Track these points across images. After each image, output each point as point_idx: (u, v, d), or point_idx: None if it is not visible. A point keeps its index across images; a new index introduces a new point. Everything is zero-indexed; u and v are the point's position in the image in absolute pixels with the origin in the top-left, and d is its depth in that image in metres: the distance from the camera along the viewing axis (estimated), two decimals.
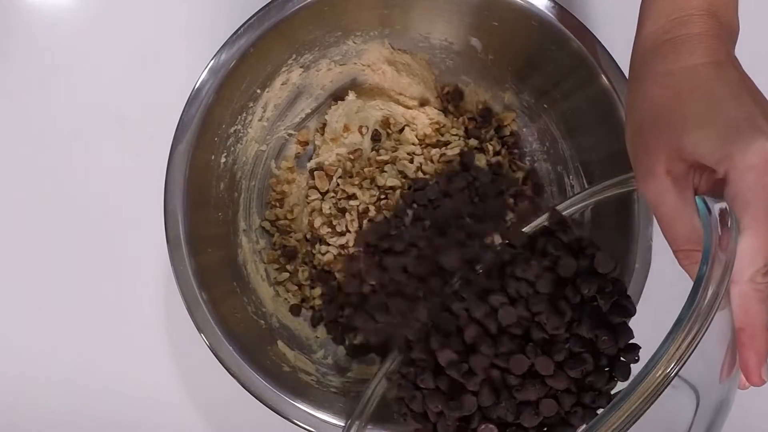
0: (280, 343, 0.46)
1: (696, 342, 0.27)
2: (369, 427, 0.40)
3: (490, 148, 0.50)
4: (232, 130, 0.46)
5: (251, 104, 0.47)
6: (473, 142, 0.50)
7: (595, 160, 0.46)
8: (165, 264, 0.42)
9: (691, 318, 0.27)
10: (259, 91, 0.47)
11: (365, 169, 0.49)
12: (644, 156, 0.33)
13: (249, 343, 0.42)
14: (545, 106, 0.49)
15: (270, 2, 0.43)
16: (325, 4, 0.44)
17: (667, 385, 0.26)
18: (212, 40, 0.44)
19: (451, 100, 0.51)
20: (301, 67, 0.48)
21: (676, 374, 0.27)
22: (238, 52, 0.43)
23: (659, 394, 0.26)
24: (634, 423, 0.26)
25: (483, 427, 0.35)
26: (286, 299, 0.49)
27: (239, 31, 0.43)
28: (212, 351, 0.41)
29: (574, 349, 0.34)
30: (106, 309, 0.51)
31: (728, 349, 0.31)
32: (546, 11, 0.43)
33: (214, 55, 0.43)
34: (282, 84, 0.48)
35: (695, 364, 0.28)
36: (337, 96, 0.51)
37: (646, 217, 0.42)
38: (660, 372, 0.27)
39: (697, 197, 0.31)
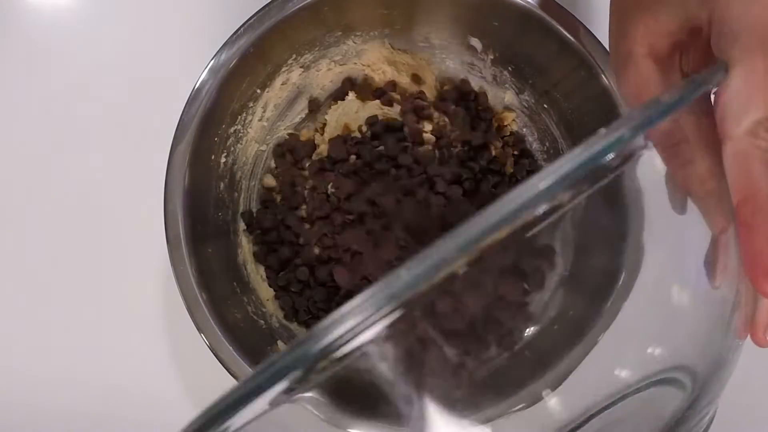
0: (280, 343, 0.46)
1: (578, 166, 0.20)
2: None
3: (492, 147, 0.50)
4: (232, 130, 0.46)
5: (251, 104, 0.47)
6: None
7: None
8: (165, 264, 0.42)
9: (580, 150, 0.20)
10: (259, 91, 0.47)
11: None
12: (622, 41, 0.28)
13: (249, 343, 0.42)
14: (545, 106, 0.49)
15: (270, 2, 0.43)
16: (325, 4, 0.44)
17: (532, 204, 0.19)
18: (212, 40, 0.44)
19: (450, 98, 0.51)
20: (301, 67, 0.48)
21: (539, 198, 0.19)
22: (238, 52, 0.43)
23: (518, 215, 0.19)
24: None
25: None
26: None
27: (239, 31, 0.43)
28: (212, 351, 0.41)
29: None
30: (105, 309, 0.51)
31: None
32: (546, 11, 0.43)
33: (214, 55, 0.43)
34: (282, 84, 0.48)
35: (676, 334, 0.23)
36: (337, 96, 0.51)
37: (638, 218, 0.42)
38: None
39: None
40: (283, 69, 0.47)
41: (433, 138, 0.50)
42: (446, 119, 0.51)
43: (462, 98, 0.51)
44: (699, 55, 0.27)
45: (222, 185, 0.47)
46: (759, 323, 0.23)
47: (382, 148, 0.49)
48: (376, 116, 0.50)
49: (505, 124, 0.51)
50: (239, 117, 0.47)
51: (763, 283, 0.21)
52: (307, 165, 0.50)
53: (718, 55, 0.24)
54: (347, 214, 0.47)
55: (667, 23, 0.26)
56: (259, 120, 0.48)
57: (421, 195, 0.47)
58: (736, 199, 0.22)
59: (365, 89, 0.51)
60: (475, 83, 0.51)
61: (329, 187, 0.49)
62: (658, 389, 0.24)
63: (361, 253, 0.47)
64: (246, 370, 0.41)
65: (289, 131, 0.51)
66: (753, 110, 0.22)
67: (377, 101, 0.51)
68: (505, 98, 0.51)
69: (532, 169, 0.50)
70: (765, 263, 0.21)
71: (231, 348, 0.41)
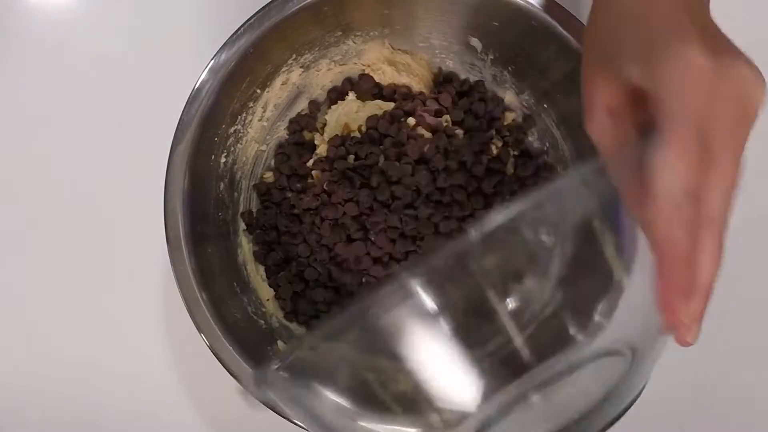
0: (280, 343, 0.46)
1: None
2: None
3: (492, 147, 0.50)
4: (232, 130, 0.46)
5: (251, 104, 0.47)
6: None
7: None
8: (165, 264, 0.42)
9: None
10: (259, 91, 0.47)
11: None
12: (588, 85, 0.31)
13: (249, 343, 0.42)
14: (545, 106, 0.49)
15: (270, 2, 0.43)
16: (325, 4, 0.44)
17: None
18: (212, 40, 0.44)
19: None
20: (301, 67, 0.48)
21: None
22: (238, 52, 0.43)
23: None
24: None
25: None
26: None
27: (239, 31, 0.43)
28: (212, 351, 0.41)
29: None
30: (105, 309, 0.51)
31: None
32: (546, 12, 0.43)
33: (214, 55, 0.43)
34: (282, 84, 0.48)
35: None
36: (337, 96, 0.51)
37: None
38: None
39: None
40: (283, 69, 0.47)
41: (430, 135, 0.50)
42: (448, 118, 0.51)
43: (460, 96, 0.51)
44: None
45: (222, 185, 0.47)
46: (665, 304, 0.27)
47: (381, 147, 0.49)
48: (376, 116, 0.50)
49: (505, 123, 0.51)
50: (239, 117, 0.47)
51: (677, 324, 0.26)
52: (306, 165, 0.50)
53: (657, 125, 0.27)
54: (345, 213, 0.47)
55: (623, 82, 0.29)
56: (259, 120, 0.48)
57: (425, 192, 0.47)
58: (655, 256, 0.26)
59: (365, 89, 0.51)
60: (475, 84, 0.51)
61: (328, 186, 0.48)
62: (608, 359, 0.28)
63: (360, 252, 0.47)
64: (246, 369, 0.41)
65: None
66: (672, 181, 0.26)
67: (377, 101, 0.51)
68: (505, 98, 0.51)
69: (535, 170, 0.50)
70: (679, 309, 0.26)
71: (231, 348, 0.41)
